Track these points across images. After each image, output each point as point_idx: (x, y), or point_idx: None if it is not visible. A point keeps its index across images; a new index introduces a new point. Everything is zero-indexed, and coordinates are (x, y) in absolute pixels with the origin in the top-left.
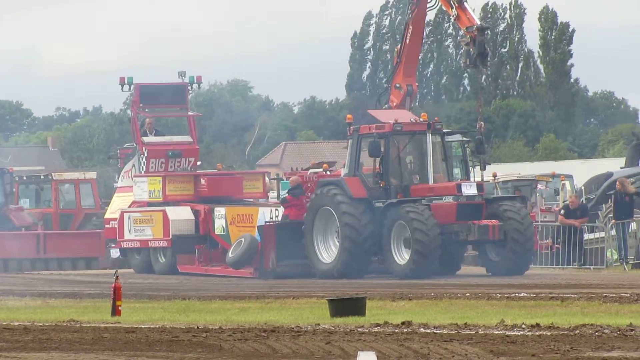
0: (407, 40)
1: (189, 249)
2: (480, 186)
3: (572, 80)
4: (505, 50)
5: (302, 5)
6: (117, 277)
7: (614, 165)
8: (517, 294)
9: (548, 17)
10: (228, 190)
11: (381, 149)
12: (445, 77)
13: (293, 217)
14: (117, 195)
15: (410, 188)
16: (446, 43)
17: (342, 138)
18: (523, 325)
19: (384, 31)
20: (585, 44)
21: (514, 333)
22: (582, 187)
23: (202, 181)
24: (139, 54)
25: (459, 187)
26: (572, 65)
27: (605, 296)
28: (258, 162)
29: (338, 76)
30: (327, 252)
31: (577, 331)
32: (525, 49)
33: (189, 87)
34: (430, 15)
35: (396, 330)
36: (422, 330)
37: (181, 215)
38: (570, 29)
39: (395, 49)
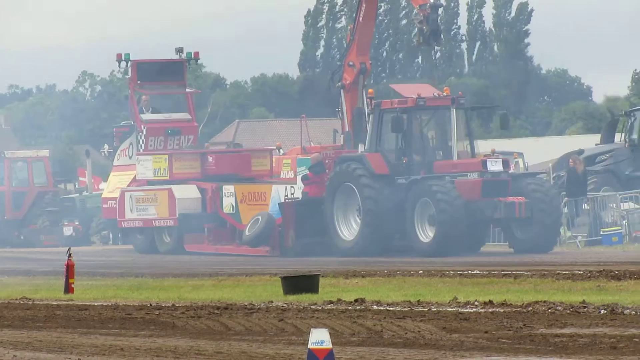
0: (361, 18)
1: (197, 228)
2: (506, 162)
3: (526, 58)
4: (458, 28)
5: None
6: (70, 254)
7: (568, 143)
8: (470, 272)
9: None
10: (236, 168)
11: (404, 124)
12: (401, 54)
13: (313, 195)
14: (113, 174)
15: (434, 164)
16: (403, 22)
17: (295, 116)
18: (476, 303)
19: (337, 9)
20: (539, 22)
21: (466, 310)
22: (551, 166)
23: (210, 159)
24: (89, 31)
25: (484, 163)
26: (528, 44)
27: (558, 273)
28: (211, 140)
29: (289, 53)
30: (348, 229)
31: (530, 308)
32: (483, 28)
33: (187, 64)
34: None
35: (349, 308)
36: (375, 307)
37: (188, 193)
38: (529, 9)
39: (349, 27)
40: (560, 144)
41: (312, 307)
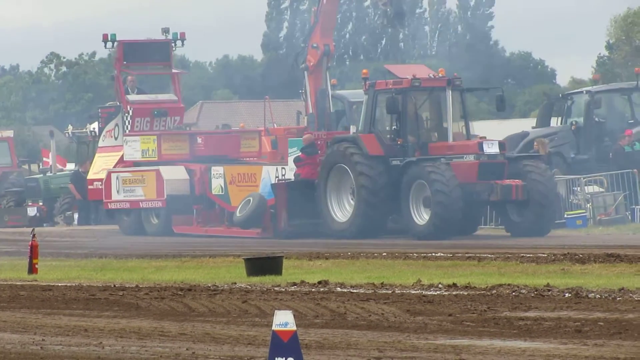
0: (324, 0)
1: (186, 210)
2: (502, 144)
3: (491, 42)
4: (422, 10)
5: None
6: (34, 235)
7: (530, 126)
8: (433, 254)
9: None
10: (225, 149)
11: (399, 105)
12: (363, 37)
13: (305, 176)
14: (98, 155)
15: (429, 146)
16: (366, 4)
17: (259, 97)
18: (440, 285)
19: None
20: (503, 4)
21: (430, 293)
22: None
23: (199, 140)
24: (53, 10)
25: (480, 145)
26: (492, 27)
27: (522, 256)
28: None
29: (253, 34)
30: (342, 211)
31: (494, 291)
32: (445, 9)
33: (173, 44)
34: None
35: (313, 290)
36: (338, 289)
37: (176, 174)
38: None
39: (313, 9)
40: (523, 126)
41: (275, 288)
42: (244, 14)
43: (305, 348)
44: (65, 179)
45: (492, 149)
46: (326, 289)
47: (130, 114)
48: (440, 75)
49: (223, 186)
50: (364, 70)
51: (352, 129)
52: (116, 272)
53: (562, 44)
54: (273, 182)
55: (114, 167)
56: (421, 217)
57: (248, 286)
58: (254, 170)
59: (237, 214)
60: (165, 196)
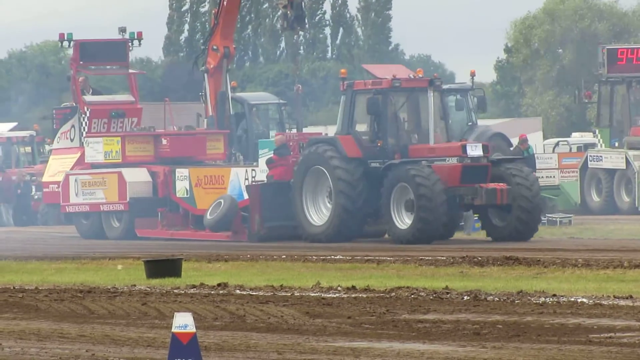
0: (225, 2)
1: (149, 213)
2: (486, 147)
3: (391, 44)
4: (323, 13)
5: None
6: None
7: None
8: (333, 257)
9: None
10: (191, 150)
11: (379, 105)
12: (262, 39)
13: (278, 178)
14: (53, 158)
15: (409, 148)
16: (265, 6)
17: (159, 100)
18: (339, 288)
19: None
20: (405, 7)
21: (329, 295)
22: None
23: (164, 141)
24: None
25: (464, 147)
26: (390, 29)
27: (421, 259)
28: None
29: (151, 37)
30: (318, 214)
31: (393, 294)
32: (347, 13)
33: (130, 44)
34: None
35: (212, 292)
36: (238, 292)
37: (139, 177)
38: None
39: (213, 11)
40: None
41: (175, 291)
42: (145, 15)
43: (204, 350)
44: None
45: (475, 151)
46: (225, 292)
47: (88, 115)
48: (419, 75)
49: (188, 189)
50: (342, 70)
51: (324, 130)
52: (15, 274)
53: (461, 47)
54: (243, 184)
55: (72, 169)
56: (403, 221)
57: (147, 288)
58: (222, 173)
59: (207, 216)
60: (127, 199)
